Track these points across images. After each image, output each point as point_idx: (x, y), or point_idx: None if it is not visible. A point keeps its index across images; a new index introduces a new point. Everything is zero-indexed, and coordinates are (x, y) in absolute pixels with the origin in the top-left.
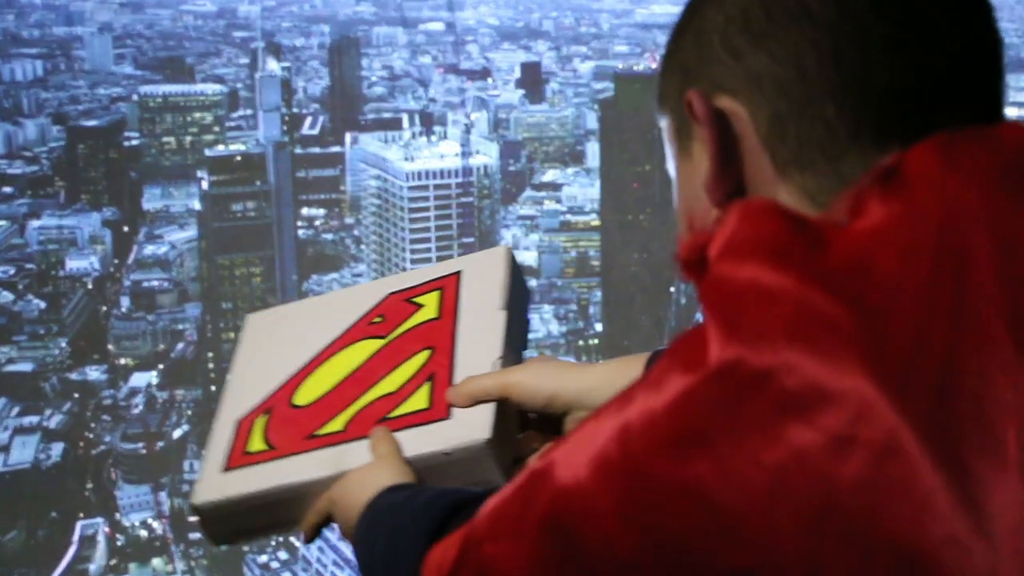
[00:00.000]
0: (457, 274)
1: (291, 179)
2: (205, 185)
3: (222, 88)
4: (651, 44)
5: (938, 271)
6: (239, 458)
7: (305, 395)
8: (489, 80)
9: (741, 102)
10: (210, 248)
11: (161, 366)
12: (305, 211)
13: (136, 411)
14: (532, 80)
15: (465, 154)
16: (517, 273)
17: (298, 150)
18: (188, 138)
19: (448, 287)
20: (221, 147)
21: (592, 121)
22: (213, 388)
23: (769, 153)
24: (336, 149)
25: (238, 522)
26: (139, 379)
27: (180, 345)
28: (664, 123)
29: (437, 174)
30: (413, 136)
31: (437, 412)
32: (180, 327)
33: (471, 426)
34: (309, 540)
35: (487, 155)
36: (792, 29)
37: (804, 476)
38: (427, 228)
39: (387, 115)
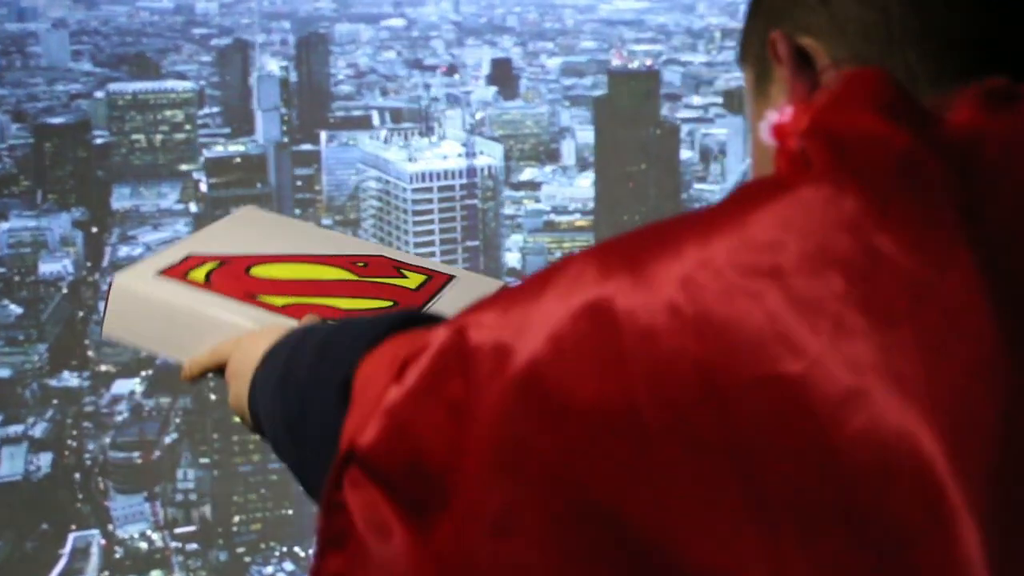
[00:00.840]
0: (451, 277)
1: (291, 180)
2: (204, 187)
3: (192, 85)
4: (617, 40)
5: None
6: (176, 274)
7: (262, 271)
8: (456, 76)
9: (823, 44)
10: None
11: (144, 373)
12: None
13: (120, 418)
14: (504, 76)
15: (469, 154)
16: None
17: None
18: (159, 136)
19: (436, 280)
20: (220, 148)
21: (566, 118)
22: (213, 397)
23: None
24: (308, 147)
25: (139, 320)
26: (122, 386)
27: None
28: (746, 74)
29: (441, 175)
30: (397, 135)
31: None
32: None
33: None
34: (190, 378)
35: (491, 155)
36: None
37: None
38: (431, 231)
39: (357, 113)
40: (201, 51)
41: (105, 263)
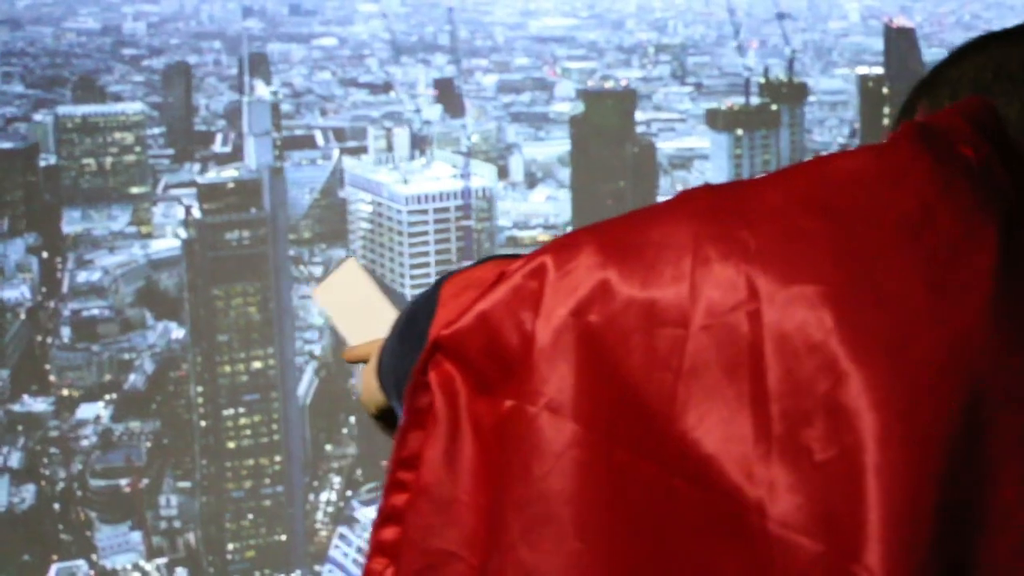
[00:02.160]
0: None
1: (286, 205)
2: (196, 212)
3: (142, 108)
4: (549, 56)
5: None
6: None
7: None
8: (392, 94)
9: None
10: (198, 278)
11: (108, 396)
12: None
13: (87, 443)
14: (448, 95)
15: (464, 176)
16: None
17: (214, 168)
18: (108, 159)
19: None
20: (212, 173)
21: (512, 135)
22: (203, 423)
23: None
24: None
25: (344, 297)
26: (87, 410)
27: (132, 376)
28: None
29: (436, 197)
30: (386, 158)
31: None
32: (126, 356)
33: None
34: (347, 359)
35: (484, 177)
36: (1015, 90)
37: None
38: (426, 252)
39: (299, 132)
40: (133, 72)
41: (65, 288)
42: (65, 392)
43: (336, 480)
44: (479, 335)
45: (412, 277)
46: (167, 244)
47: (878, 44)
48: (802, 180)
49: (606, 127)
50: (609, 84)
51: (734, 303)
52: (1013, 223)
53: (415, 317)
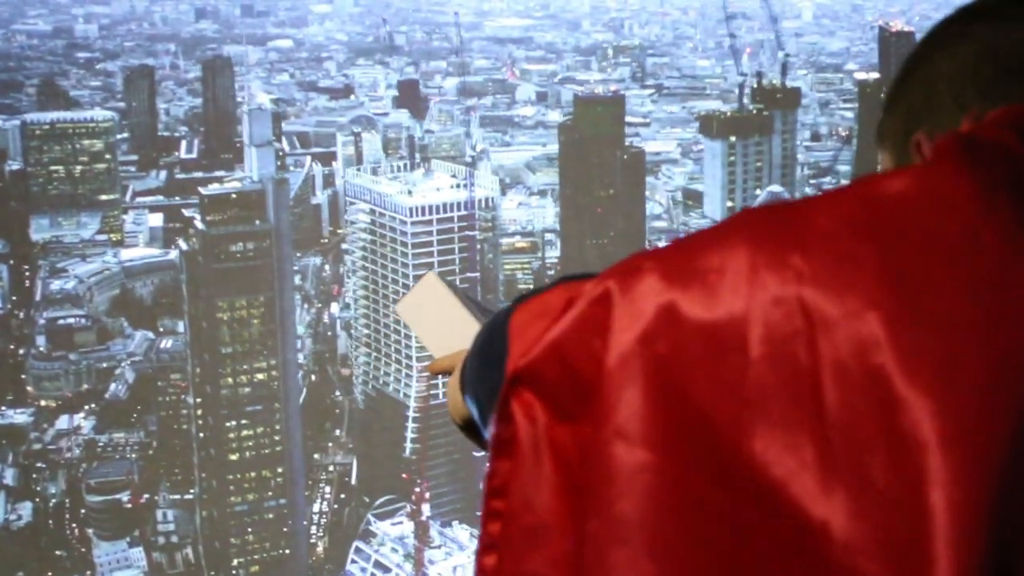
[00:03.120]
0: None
1: (289, 216)
2: (199, 224)
3: (112, 115)
4: (507, 57)
5: None
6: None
7: None
8: (352, 97)
9: None
10: (201, 289)
11: (88, 406)
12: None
13: (70, 455)
14: (411, 98)
15: (467, 186)
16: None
17: (180, 175)
18: (78, 167)
19: None
20: (216, 185)
21: (479, 140)
22: (202, 435)
23: None
24: (221, 172)
25: (426, 310)
26: (67, 421)
27: (113, 385)
28: (883, 157)
29: (440, 208)
30: (387, 167)
31: None
32: (104, 366)
33: None
34: (432, 371)
35: (487, 187)
36: (1020, 86)
37: None
38: (430, 264)
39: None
40: (89, 76)
41: (38, 297)
42: (43, 403)
43: (327, 490)
44: (553, 364)
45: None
46: (141, 252)
47: (832, 44)
48: (849, 204)
49: (596, 134)
50: (599, 90)
51: (791, 331)
52: None
53: (491, 339)
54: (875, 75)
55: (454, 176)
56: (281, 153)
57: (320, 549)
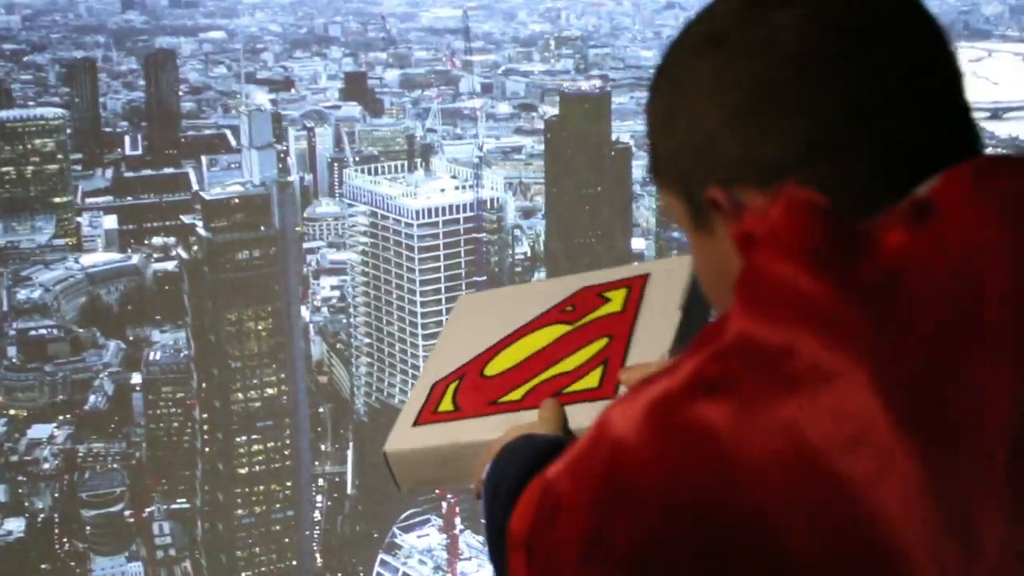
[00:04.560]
0: (646, 276)
1: (296, 220)
2: (201, 231)
3: (62, 112)
4: (446, 48)
5: (954, 300)
6: (428, 416)
7: (495, 367)
8: (292, 91)
9: (762, 192)
10: (206, 300)
11: (62, 416)
12: (156, 240)
13: (48, 466)
14: (359, 91)
15: (474, 187)
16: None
17: (128, 173)
18: (29, 168)
19: (635, 286)
20: (218, 189)
21: (430, 134)
22: (207, 449)
23: None
24: (170, 170)
25: (420, 471)
26: (40, 431)
27: (92, 396)
28: (666, 197)
29: (446, 210)
30: (387, 169)
31: (605, 391)
32: (80, 376)
33: None
34: (480, 495)
35: (493, 188)
36: (797, 119)
37: (798, 454)
38: (436, 268)
39: (208, 132)
40: (16, 69)
41: (5, 307)
42: (12, 412)
43: (318, 499)
44: (531, 555)
45: (422, 294)
46: (103, 257)
47: None
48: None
49: (582, 132)
50: (585, 86)
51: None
52: (885, 380)
53: (494, 504)
54: None
55: (454, 177)
56: (282, 155)
57: (319, 562)
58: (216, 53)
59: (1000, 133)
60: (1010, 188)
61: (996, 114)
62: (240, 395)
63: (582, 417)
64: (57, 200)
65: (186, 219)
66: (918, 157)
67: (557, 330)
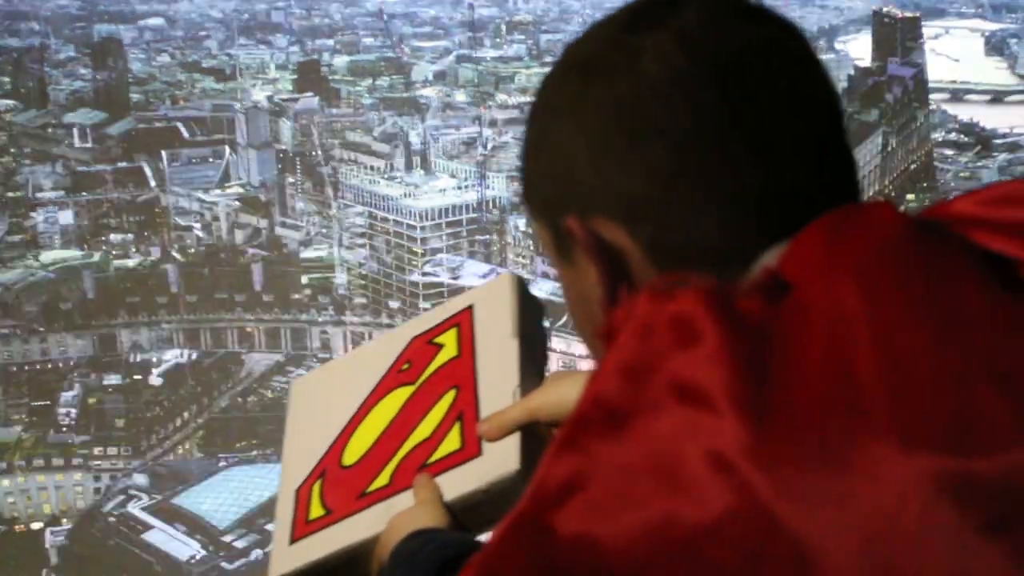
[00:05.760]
0: (469, 308)
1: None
2: (200, 234)
3: (15, 103)
4: (395, 34)
5: (830, 380)
6: (302, 527)
7: (352, 454)
8: (240, 80)
9: (618, 223)
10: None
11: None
12: (115, 237)
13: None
14: (314, 80)
15: (478, 187)
16: (526, 295)
17: (81, 168)
18: None
19: (463, 323)
20: (218, 191)
21: (392, 124)
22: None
23: (656, 267)
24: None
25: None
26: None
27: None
28: (534, 225)
29: (450, 211)
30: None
31: (469, 451)
32: (47, 378)
33: (501, 459)
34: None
35: (493, 187)
36: (654, 148)
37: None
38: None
39: (159, 125)
40: None
41: None
42: None
43: None
44: None
45: (425, 297)
46: (63, 255)
47: None
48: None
49: None
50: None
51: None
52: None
53: None
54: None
55: (453, 176)
56: (281, 155)
57: None
58: (157, 41)
59: (962, 116)
60: (865, 250)
61: (957, 96)
62: (240, 397)
63: (455, 486)
64: (11, 195)
65: (183, 220)
66: (784, 197)
67: (401, 395)
